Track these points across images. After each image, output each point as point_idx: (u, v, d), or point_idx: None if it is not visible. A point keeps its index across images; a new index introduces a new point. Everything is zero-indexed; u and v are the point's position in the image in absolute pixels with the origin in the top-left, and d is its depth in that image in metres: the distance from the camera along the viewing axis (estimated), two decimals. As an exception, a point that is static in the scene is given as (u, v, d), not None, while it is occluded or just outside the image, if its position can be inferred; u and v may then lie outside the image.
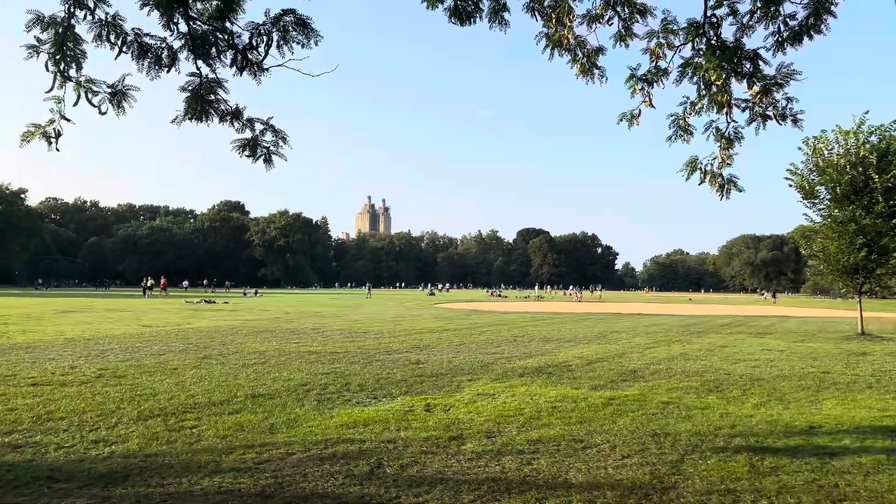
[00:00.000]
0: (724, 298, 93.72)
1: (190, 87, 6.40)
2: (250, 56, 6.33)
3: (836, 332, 22.65)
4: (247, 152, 6.63)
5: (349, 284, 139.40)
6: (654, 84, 7.89)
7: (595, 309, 42.65)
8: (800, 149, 20.70)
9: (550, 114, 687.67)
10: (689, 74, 7.63)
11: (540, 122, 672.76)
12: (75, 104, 6.16)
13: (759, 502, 4.75)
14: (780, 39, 7.11)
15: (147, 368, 11.43)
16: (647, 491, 4.89)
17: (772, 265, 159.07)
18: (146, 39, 6.29)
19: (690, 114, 7.90)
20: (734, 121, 7.71)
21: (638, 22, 7.62)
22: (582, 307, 46.12)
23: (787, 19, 7.05)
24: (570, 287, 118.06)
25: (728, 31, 7.73)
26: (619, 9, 7.61)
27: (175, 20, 6.22)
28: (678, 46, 7.64)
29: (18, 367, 11.39)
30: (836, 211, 20.19)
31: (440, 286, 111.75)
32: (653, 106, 8.01)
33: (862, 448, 6.33)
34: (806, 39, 7.04)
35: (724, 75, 7.41)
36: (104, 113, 6.28)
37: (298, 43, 6.25)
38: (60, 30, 6.08)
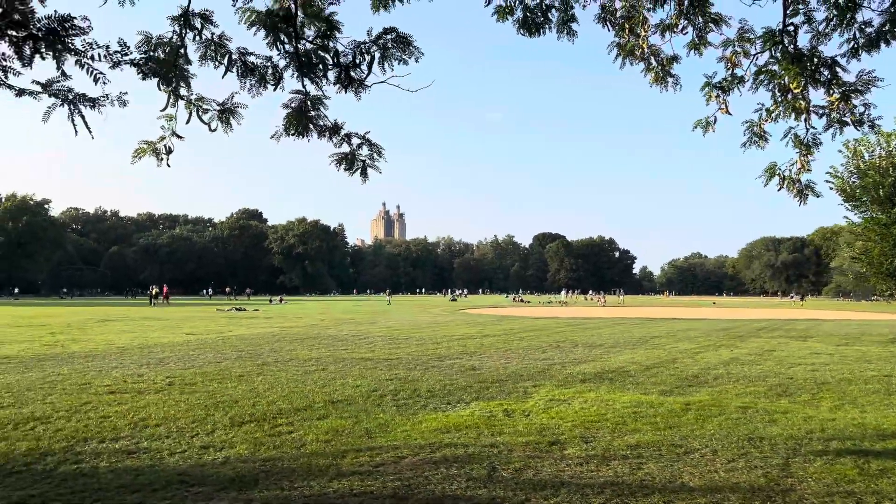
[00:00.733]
0: (748, 302, 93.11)
1: (293, 104, 6.62)
2: (353, 74, 6.55)
3: (878, 336, 22.51)
4: (344, 165, 6.81)
5: (368, 291, 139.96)
6: (730, 91, 8.05)
7: (622, 314, 42.58)
8: (840, 151, 20.71)
9: (562, 117, 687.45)
10: (765, 82, 7.76)
11: (551, 125, 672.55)
12: (187, 122, 6.40)
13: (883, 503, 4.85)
14: (855, 46, 7.22)
15: (213, 376, 11.66)
16: (768, 493, 5.00)
17: (792, 267, 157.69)
18: (250, 59, 6.52)
19: (766, 120, 8.02)
20: (813, 127, 7.81)
21: (713, 31, 7.78)
22: (609, 312, 46.07)
23: (864, 26, 7.16)
24: (590, 292, 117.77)
25: (803, 39, 7.84)
26: (693, 18, 7.76)
27: (281, 40, 6.45)
28: (754, 55, 7.78)
29: (88, 376, 11.67)
30: (879, 213, 20.13)
31: (459, 292, 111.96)
32: (729, 113, 8.13)
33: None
34: (883, 46, 7.16)
35: (802, 82, 7.52)
36: (214, 130, 6.50)
37: (399, 60, 6.45)
38: (170, 49, 6.32)
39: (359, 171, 6.84)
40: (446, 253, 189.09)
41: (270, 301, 60.97)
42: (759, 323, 30.87)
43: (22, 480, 5.51)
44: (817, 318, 38.74)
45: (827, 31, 7.37)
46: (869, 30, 7.22)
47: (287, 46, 6.47)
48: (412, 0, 6.88)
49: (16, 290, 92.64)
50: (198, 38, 6.42)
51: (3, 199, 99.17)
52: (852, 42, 7.29)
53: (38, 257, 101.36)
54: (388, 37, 6.42)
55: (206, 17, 6.39)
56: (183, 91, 6.40)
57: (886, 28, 7.10)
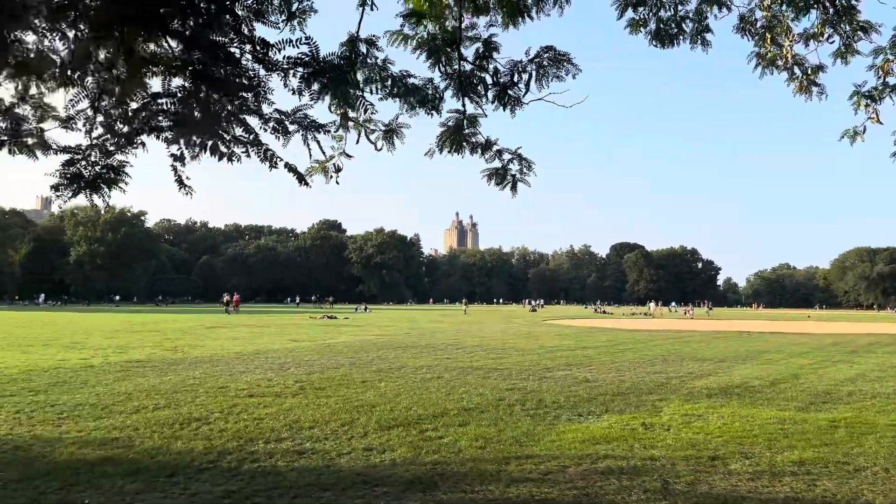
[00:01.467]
0: (844, 315, 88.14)
1: (450, 123, 6.89)
2: (511, 92, 6.77)
3: None
4: (496, 180, 7.02)
5: (444, 300, 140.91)
6: (881, 101, 7.82)
7: (716, 327, 41.20)
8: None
9: (640, 123, 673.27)
10: (921, 89, 7.51)
11: (630, 131, 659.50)
12: (357, 142, 6.79)
13: None
14: None
15: (338, 381, 12.13)
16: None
17: (889, 279, 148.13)
18: (411, 80, 6.83)
19: (925, 130, 7.75)
20: (977, 135, 7.49)
21: (861, 39, 7.58)
22: (701, 325, 44.67)
23: None
24: (673, 303, 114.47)
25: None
26: (839, 27, 7.58)
27: (442, 62, 6.74)
28: (911, 63, 7.54)
29: (221, 380, 12.36)
30: None
31: (536, 302, 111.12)
32: (880, 122, 7.91)
33: None
34: None
35: (968, 91, 7.24)
36: (379, 149, 6.88)
37: (556, 77, 6.62)
38: (339, 73, 6.71)
39: (509, 185, 7.03)
40: (521, 263, 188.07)
41: (356, 309, 62.53)
42: (867, 338, 29.27)
43: (214, 477, 5.94)
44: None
45: None
46: None
47: (447, 68, 6.75)
48: (542, 15, 7.02)
49: (116, 298, 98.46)
50: (363, 62, 6.78)
51: (104, 211, 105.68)
52: None
53: (135, 267, 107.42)
54: (546, 55, 6.60)
55: (372, 42, 6.75)
56: (352, 113, 6.79)
57: None
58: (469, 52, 6.77)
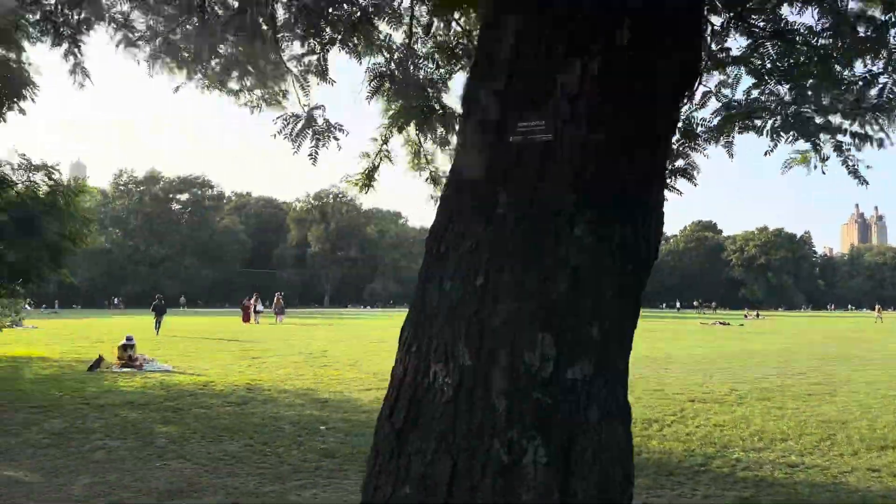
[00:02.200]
0: None
1: None
2: None
3: None
4: None
5: (849, 307, 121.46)
6: None
7: None
8: None
9: None
10: None
11: None
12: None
13: None
14: None
15: (773, 391, 11.38)
16: None
17: None
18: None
19: None
20: None
21: None
22: None
23: None
24: None
25: None
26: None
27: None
28: None
29: (651, 382, 12.50)
30: None
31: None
32: None
33: None
34: None
35: None
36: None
37: None
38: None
39: None
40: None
41: (745, 316, 58.11)
42: None
43: (714, 481, 5.99)
44: None
45: None
46: None
47: None
48: None
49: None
50: None
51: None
52: None
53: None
54: None
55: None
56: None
57: None
58: None
